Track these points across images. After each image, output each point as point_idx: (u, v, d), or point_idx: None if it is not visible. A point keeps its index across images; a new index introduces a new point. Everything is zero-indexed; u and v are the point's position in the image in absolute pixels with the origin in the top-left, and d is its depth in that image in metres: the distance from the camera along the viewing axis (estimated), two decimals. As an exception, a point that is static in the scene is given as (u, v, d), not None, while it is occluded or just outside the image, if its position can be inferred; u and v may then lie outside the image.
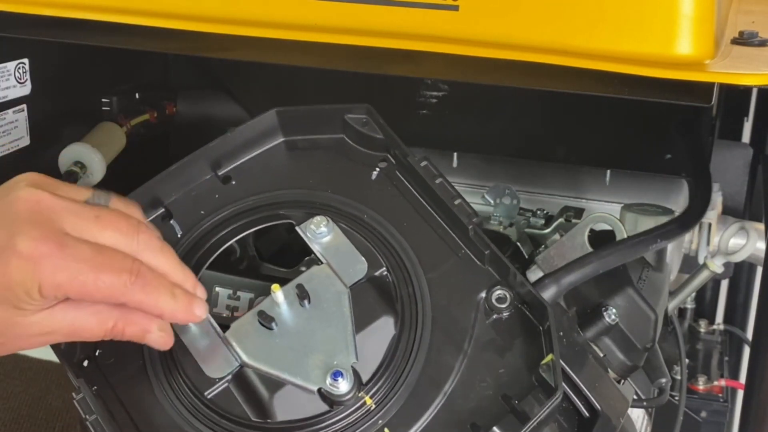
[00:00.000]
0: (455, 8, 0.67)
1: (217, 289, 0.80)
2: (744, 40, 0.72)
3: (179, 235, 0.69)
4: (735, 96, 1.14)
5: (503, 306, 0.66)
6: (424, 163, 0.70)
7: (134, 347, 0.64)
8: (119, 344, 0.64)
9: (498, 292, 0.67)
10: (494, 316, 0.66)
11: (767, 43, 0.72)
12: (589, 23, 0.64)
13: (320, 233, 0.67)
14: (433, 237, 0.69)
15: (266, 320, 0.64)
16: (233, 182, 0.71)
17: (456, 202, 0.68)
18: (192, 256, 0.68)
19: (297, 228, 0.68)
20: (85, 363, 0.66)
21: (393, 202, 0.70)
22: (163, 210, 0.70)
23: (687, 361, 1.14)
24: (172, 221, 0.70)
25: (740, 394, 1.10)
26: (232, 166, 0.72)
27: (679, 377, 1.04)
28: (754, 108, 1.24)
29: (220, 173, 0.72)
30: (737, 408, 1.19)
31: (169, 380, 0.64)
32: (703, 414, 1.17)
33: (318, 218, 0.67)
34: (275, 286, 0.64)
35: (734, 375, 1.35)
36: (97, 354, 0.65)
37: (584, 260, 0.74)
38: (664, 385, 0.92)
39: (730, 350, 1.36)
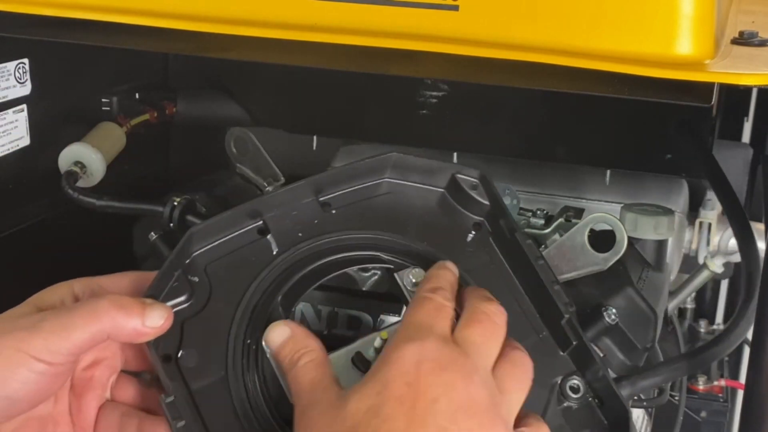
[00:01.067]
0: (455, 8, 0.67)
1: None
2: (744, 40, 0.72)
3: (274, 252, 0.67)
4: (735, 96, 1.14)
5: (576, 396, 0.66)
6: (529, 241, 0.69)
7: (219, 354, 0.63)
8: (204, 348, 0.63)
9: (573, 381, 0.66)
10: (565, 404, 0.66)
11: (767, 43, 0.72)
12: (589, 23, 0.65)
13: (417, 284, 0.65)
14: (517, 311, 0.68)
15: (361, 363, 0.62)
16: (333, 211, 0.70)
17: (555, 288, 0.67)
18: (287, 280, 0.67)
19: (395, 275, 0.67)
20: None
21: (483, 267, 0.69)
22: (261, 222, 0.69)
23: (687, 361, 1.13)
24: (269, 236, 0.68)
25: (740, 394, 1.10)
26: (333, 195, 0.70)
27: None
28: (754, 108, 1.24)
29: (321, 198, 0.70)
30: (737, 408, 1.19)
31: (249, 396, 0.63)
32: (703, 414, 1.18)
33: (417, 270, 0.66)
34: (383, 333, 0.63)
35: (734, 375, 1.35)
36: (179, 355, 0.63)
37: (657, 369, 0.78)
38: (664, 385, 0.93)
39: (730, 350, 1.36)
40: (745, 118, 1.26)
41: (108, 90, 1.06)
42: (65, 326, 0.60)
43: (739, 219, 0.82)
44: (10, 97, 0.92)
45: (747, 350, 1.31)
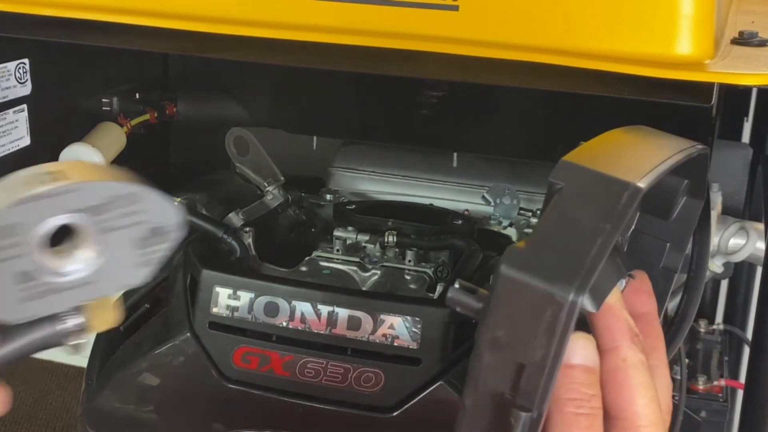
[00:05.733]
0: (455, 8, 0.67)
1: (217, 289, 0.80)
2: (744, 40, 0.72)
3: None
4: (735, 96, 1.14)
5: None
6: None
7: None
8: None
9: None
10: None
11: (767, 43, 0.72)
12: (589, 23, 0.65)
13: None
14: None
15: None
16: None
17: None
18: None
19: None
20: None
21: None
22: None
23: (687, 361, 1.14)
24: None
25: (740, 394, 1.10)
26: None
27: (679, 377, 1.04)
28: (754, 108, 1.24)
29: None
30: (737, 408, 1.19)
31: None
32: (703, 414, 1.17)
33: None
34: None
35: (734, 375, 1.35)
36: None
37: None
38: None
39: (729, 350, 1.36)
40: (745, 118, 1.26)
41: (108, 90, 1.06)
42: None
43: (703, 230, 0.82)
44: (10, 97, 0.92)
45: (747, 350, 1.31)
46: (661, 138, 0.58)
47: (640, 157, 0.52)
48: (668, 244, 0.61)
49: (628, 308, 0.54)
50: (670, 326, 0.85)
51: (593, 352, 0.48)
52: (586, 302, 0.47)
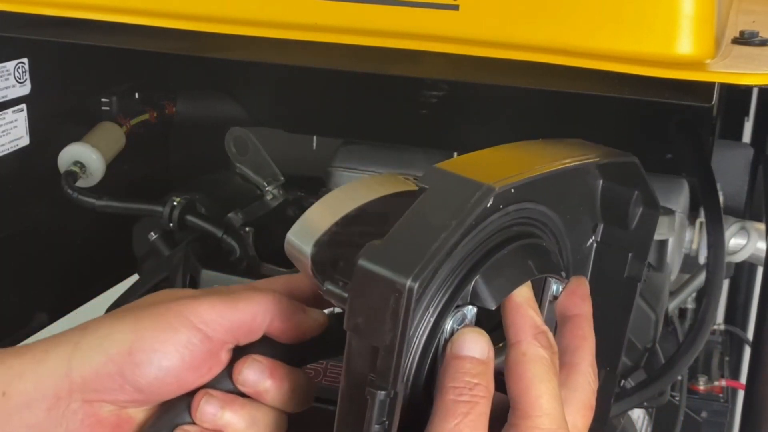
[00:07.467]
0: (455, 8, 0.67)
1: None
2: (744, 39, 0.72)
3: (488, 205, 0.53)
4: (735, 96, 1.14)
5: None
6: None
7: None
8: None
9: None
10: None
11: (768, 42, 0.72)
12: (589, 23, 0.64)
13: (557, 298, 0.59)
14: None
15: None
16: None
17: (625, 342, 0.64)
18: (489, 255, 0.54)
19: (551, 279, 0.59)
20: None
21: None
22: None
23: (687, 361, 1.14)
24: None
25: (741, 394, 1.10)
26: None
27: (679, 377, 1.04)
28: (754, 108, 1.24)
29: None
30: (738, 408, 1.19)
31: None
32: (704, 414, 1.18)
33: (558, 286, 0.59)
34: None
35: (735, 375, 1.35)
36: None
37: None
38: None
39: (730, 350, 1.36)
40: (746, 118, 1.27)
41: (108, 90, 1.06)
42: (232, 300, 0.57)
43: (716, 232, 0.82)
44: (9, 97, 0.92)
45: (748, 350, 1.31)
46: (569, 149, 0.61)
47: (515, 165, 0.56)
48: (630, 254, 0.63)
49: (561, 310, 0.58)
50: (690, 328, 0.84)
51: (483, 344, 0.51)
52: (486, 298, 0.52)
